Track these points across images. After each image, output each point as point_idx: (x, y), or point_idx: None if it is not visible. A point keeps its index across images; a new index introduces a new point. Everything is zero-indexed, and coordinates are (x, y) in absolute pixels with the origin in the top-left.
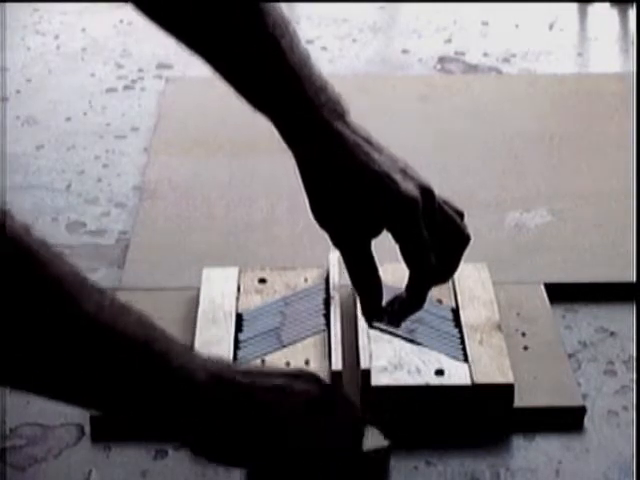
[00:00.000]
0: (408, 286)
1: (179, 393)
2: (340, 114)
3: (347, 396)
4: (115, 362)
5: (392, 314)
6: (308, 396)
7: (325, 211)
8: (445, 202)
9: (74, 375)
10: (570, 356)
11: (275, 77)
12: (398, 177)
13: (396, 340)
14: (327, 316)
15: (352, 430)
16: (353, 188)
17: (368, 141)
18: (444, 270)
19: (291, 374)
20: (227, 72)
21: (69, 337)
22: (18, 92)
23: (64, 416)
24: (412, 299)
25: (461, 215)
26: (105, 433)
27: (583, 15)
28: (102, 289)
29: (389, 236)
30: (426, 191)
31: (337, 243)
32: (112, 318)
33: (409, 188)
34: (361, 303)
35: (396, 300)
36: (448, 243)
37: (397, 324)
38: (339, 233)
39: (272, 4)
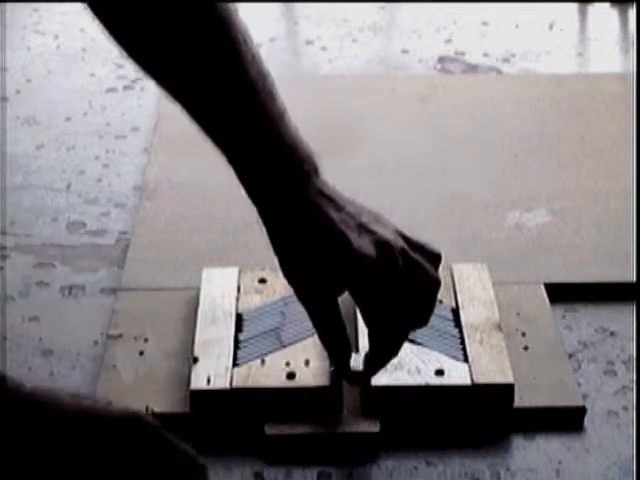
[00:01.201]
0: (369, 347)
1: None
2: (307, 174)
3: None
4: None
5: (355, 374)
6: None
7: (289, 268)
8: (417, 246)
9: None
10: (570, 356)
11: (246, 133)
12: (353, 235)
13: None
14: None
15: None
16: (311, 250)
17: (332, 200)
18: (418, 316)
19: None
20: (199, 116)
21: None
22: (18, 92)
23: None
24: (373, 362)
25: (436, 257)
26: None
27: (583, 15)
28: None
29: None
30: (383, 245)
31: (302, 299)
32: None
33: (362, 246)
34: (329, 359)
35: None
36: (417, 290)
37: (363, 382)
38: (303, 290)
39: (255, 55)
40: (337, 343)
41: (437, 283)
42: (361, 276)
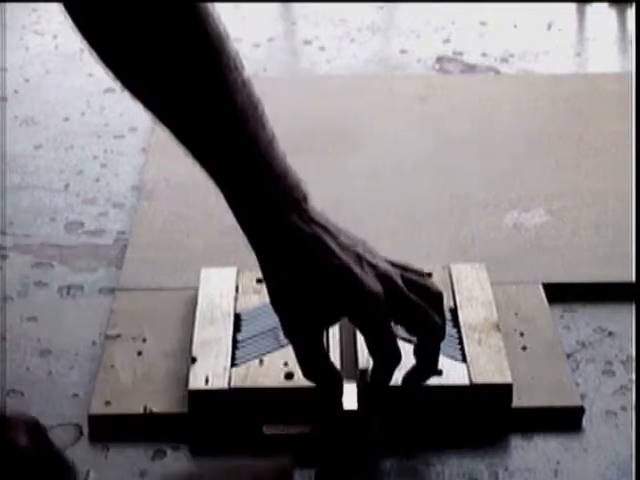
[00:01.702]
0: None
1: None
2: (297, 202)
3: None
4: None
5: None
6: None
7: (282, 299)
8: (406, 268)
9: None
10: (568, 356)
11: (236, 162)
12: (358, 271)
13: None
14: None
15: None
16: (311, 282)
17: (325, 229)
18: (433, 334)
19: None
20: (187, 142)
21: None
22: (16, 92)
23: (62, 416)
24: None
25: (424, 275)
26: (103, 433)
27: (581, 15)
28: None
29: (387, 240)
30: (386, 279)
31: (291, 331)
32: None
33: (371, 284)
34: (318, 391)
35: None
36: (424, 302)
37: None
38: (295, 321)
39: (245, 81)
40: (328, 376)
41: (440, 294)
42: (370, 313)
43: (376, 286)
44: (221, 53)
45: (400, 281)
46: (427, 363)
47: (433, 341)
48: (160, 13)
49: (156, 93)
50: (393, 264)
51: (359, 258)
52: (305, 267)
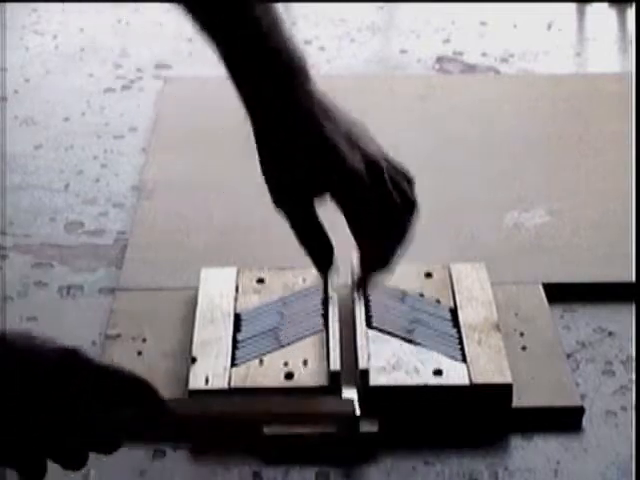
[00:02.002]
0: (361, 257)
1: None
2: (299, 77)
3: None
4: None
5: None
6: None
7: (271, 169)
8: (394, 168)
9: None
10: (568, 356)
11: (240, 29)
12: (345, 149)
13: (394, 340)
14: (325, 316)
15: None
16: (299, 154)
17: (322, 105)
18: (395, 235)
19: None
20: (194, 11)
21: None
22: (16, 92)
23: None
24: (366, 269)
25: (409, 181)
26: None
27: (581, 15)
28: None
29: None
30: (373, 164)
31: (279, 202)
32: None
33: (355, 162)
34: (312, 261)
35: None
36: (396, 210)
37: (362, 290)
38: (282, 192)
39: None
40: (318, 244)
41: (414, 204)
42: (350, 190)
43: (360, 165)
44: None
45: (385, 169)
46: (379, 255)
47: (407, 215)
48: None
49: None
50: (386, 157)
51: (350, 137)
52: (294, 138)
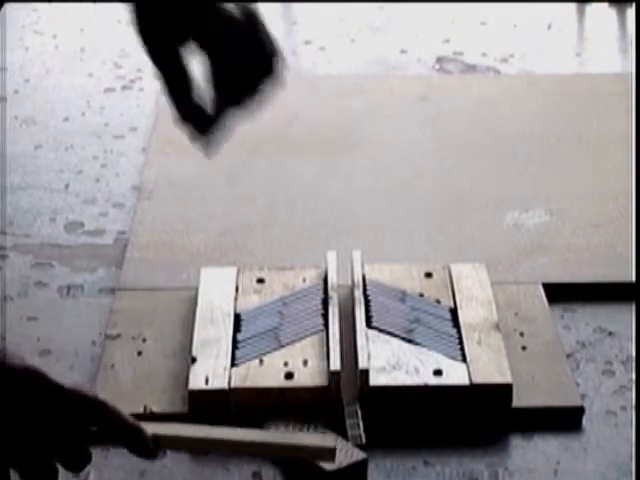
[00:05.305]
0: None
1: None
2: None
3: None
4: None
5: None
6: None
7: (140, 19)
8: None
9: None
10: (568, 356)
11: None
12: None
13: (394, 340)
14: (325, 316)
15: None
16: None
17: None
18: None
19: None
20: None
21: None
22: (16, 92)
23: None
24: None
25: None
26: None
27: (581, 15)
28: None
29: (387, 240)
30: (247, 10)
31: (149, 50)
32: None
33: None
34: (173, 106)
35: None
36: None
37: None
38: (150, 42)
39: None
40: (179, 85)
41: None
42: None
43: (234, 11)
44: None
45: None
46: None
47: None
48: None
49: None
50: None
51: None
52: None
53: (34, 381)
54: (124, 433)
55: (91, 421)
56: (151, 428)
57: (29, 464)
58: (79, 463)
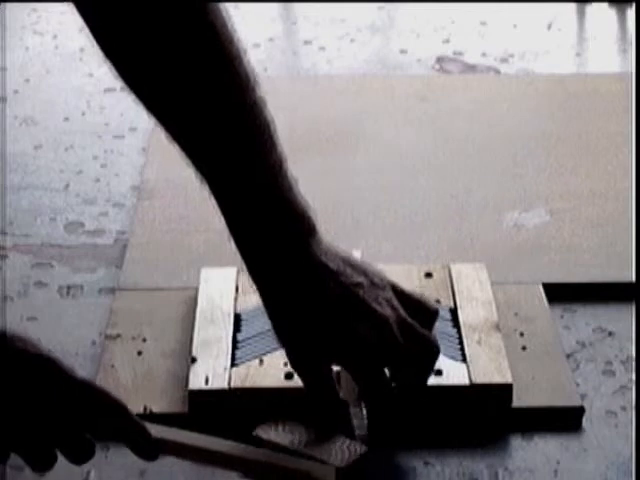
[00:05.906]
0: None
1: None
2: (303, 236)
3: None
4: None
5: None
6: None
7: (280, 332)
8: (413, 305)
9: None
10: (568, 356)
11: (244, 182)
12: (353, 321)
13: None
14: None
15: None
16: (306, 328)
17: (327, 269)
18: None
19: None
20: (196, 160)
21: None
22: (16, 92)
23: None
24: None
25: (433, 314)
26: None
27: (581, 15)
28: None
29: (387, 240)
30: (382, 327)
31: (292, 364)
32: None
33: (364, 337)
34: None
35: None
36: (416, 357)
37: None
38: (293, 355)
39: (259, 101)
40: (332, 405)
41: (435, 349)
42: (360, 364)
43: (369, 337)
44: (238, 70)
45: (396, 328)
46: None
47: (428, 363)
48: (175, 32)
49: (168, 107)
50: (397, 292)
51: (356, 304)
52: (301, 311)
53: (46, 367)
54: (129, 431)
55: (98, 414)
56: (155, 431)
57: (29, 447)
58: (82, 454)
